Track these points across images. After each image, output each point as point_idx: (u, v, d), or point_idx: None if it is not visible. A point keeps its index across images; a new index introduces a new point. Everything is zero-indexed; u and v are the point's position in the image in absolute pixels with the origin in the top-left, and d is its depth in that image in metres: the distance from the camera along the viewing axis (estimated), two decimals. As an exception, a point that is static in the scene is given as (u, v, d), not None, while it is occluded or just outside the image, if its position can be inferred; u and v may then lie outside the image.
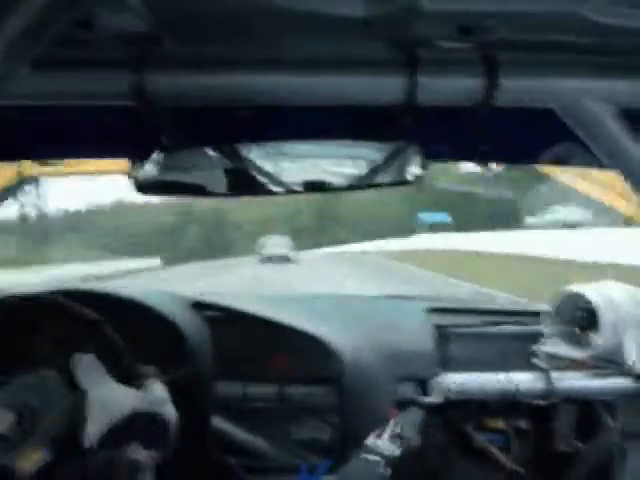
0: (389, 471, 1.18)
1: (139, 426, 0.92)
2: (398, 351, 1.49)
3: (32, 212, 30.61)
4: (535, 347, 1.42)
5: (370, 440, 1.23)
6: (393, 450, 1.21)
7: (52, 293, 1.15)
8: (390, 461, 1.19)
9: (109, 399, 0.92)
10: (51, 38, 0.66)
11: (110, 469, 0.85)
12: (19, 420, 0.93)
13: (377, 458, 1.19)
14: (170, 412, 0.99)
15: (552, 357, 1.39)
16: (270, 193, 1.04)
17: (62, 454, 0.94)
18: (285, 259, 24.26)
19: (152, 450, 0.91)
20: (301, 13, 0.78)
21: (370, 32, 0.84)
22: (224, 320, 1.48)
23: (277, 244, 26.34)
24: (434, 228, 31.80)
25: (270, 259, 23.98)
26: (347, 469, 1.19)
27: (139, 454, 0.88)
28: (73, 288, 1.31)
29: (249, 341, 1.48)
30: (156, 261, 27.52)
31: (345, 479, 1.19)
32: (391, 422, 1.27)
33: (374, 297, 2.10)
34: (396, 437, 1.24)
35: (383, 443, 1.22)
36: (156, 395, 0.97)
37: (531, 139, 1.10)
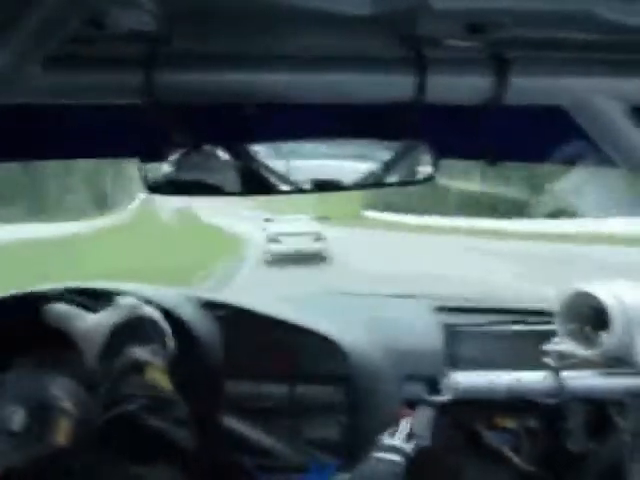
0: (404, 470, 1.18)
1: (127, 334, 0.94)
2: (407, 350, 1.49)
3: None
4: (545, 346, 1.42)
5: (385, 439, 1.23)
6: (408, 449, 1.21)
7: (64, 291, 1.16)
8: (405, 460, 1.19)
9: (90, 327, 0.96)
10: (62, 37, 0.67)
11: (116, 375, 0.86)
12: (30, 413, 0.94)
13: (393, 457, 1.19)
14: (149, 311, 1.01)
15: (562, 356, 1.39)
16: (280, 192, 1.04)
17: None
18: (318, 257, 14.85)
19: (150, 347, 0.92)
20: (309, 10, 0.78)
21: (378, 30, 0.84)
22: (234, 319, 1.48)
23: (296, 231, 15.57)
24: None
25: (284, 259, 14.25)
26: (362, 468, 1.19)
27: (139, 354, 0.89)
28: (85, 287, 1.32)
29: (259, 340, 1.49)
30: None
31: (360, 478, 1.19)
32: (404, 421, 1.27)
33: (382, 295, 2.10)
34: (409, 436, 1.24)
35: (398, 442, 1.22)
36: (127, 303, 1.00)
37: (541, 138, 1.09)
